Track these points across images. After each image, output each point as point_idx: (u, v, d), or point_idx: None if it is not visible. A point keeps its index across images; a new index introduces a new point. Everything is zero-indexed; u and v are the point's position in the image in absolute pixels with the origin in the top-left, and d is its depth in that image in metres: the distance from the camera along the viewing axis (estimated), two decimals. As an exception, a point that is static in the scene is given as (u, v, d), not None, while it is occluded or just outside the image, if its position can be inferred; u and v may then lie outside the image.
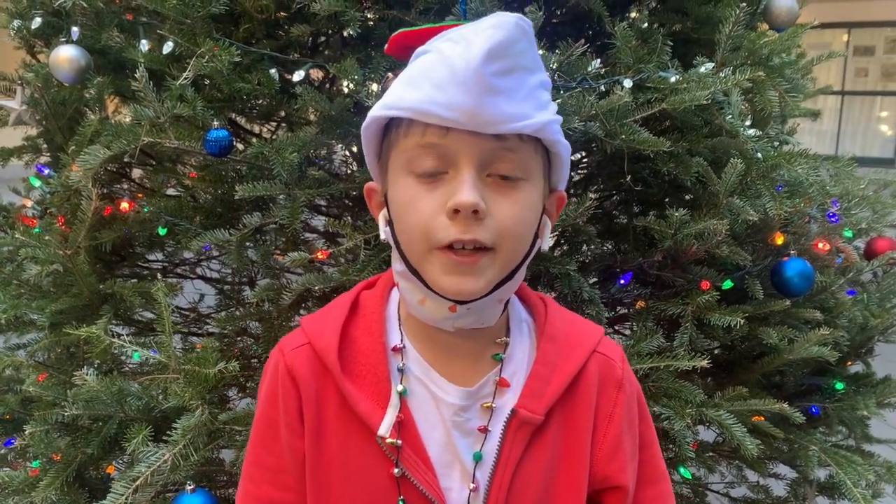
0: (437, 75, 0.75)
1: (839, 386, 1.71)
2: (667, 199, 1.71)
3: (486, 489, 0.84)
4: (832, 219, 1.63)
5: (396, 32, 0.87)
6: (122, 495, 1.16)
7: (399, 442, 0.83)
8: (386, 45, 0.89)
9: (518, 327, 0.90)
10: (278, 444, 0.88)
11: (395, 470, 0.83)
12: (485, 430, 0.85)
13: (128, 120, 1.44)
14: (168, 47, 1.41)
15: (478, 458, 0.85)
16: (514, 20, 0.75)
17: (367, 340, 0.87)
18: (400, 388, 0.85)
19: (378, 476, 0.84)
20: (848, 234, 1.69)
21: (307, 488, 0.86)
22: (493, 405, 0.85)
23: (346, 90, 1.68)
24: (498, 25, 0.74)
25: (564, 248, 1.74)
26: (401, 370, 0.86)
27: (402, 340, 0.88)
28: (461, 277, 0.77)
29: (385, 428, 0.83)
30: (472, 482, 0.85)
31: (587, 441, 0.88)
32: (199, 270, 2.15)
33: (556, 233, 1.63)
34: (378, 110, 0.80)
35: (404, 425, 0.84)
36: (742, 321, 1.40)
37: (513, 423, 0.84)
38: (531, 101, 0.77)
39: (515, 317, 0.91)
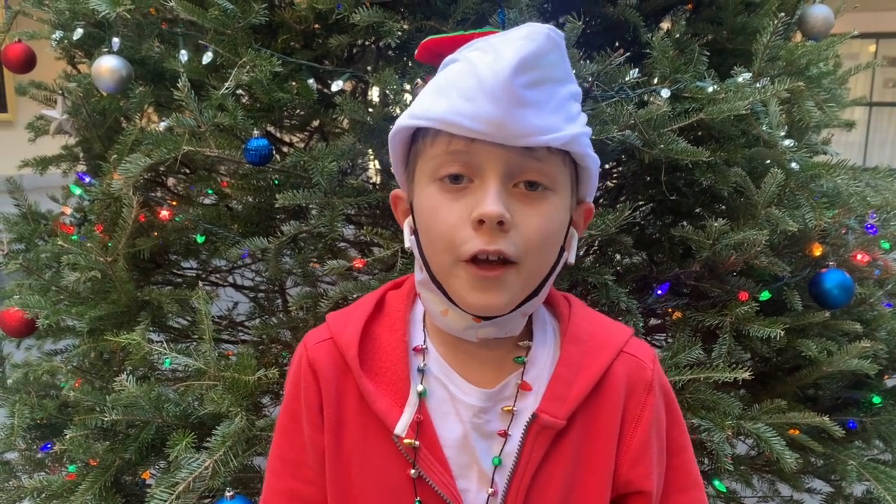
0: (465, 85, 0.74)
1: (877, 400, 1.69)
2: (699, 210, 1.70)
3: (504, 493, 0.83)
4: (870, 230, 1.61)
5: (427, 39, 0.86)
6: (165, 501, 1.17)
7: (416, 443, 0.83)
8: (416, 51, 0.89)
9: (541, 329, 0.89)
10: (301, 437, 0.88)
11: (412, 471, 0.83)
12: (505, 435, 0.84)
13: (161, 128, 1.46)
14: (208, 57, 1.43)
15: (497, 463, 0.84)
16: (546, 31, 0.75)
17: (390, 339, 0.87)
18: (420, 388, 0.84)
19: (395, 475, 0.84)
20: (885, 245, 1.67)
21: (327, 483, 0.87)
22: (514, 409, 0.85)
23: (378, 100, 1.70)
24: (529, 36, 0.74)
25: (595, 256, 1.73)
26: (421, 370, 0.86)
27: (424, 341, 0.88)
28: (486, 293, 0.76)
29: (401, 427, 0.82)
30: (491, 486, 0.84)
31: (612, 446, 0.86)
32: (230, 279, 2.17)
33: (590, 242, 1.63)
34: (405, 120, 0.80)
35: (422, 426, 0.84)
36: (782, 333, 1.39)
37: (533, 427, 0.83)
38: (561, 113, 0.76)
39: (539, 319, 0.89)
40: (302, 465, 0.89)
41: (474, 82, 0.73)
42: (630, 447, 0.87)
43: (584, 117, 0.81)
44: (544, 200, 0.77)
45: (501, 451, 0.84)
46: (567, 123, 0.76)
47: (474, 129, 0.73)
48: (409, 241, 0.85)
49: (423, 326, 0.89)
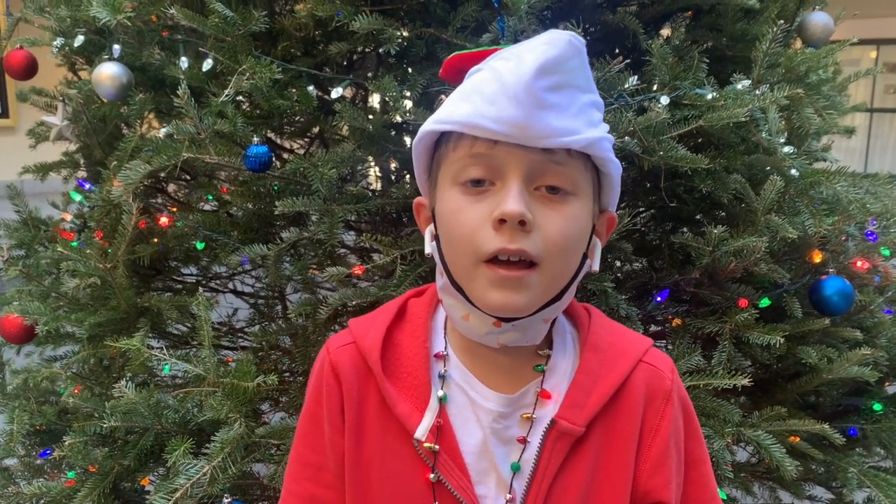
0: (488, 90, 0.76)
1: (877, 407, 1.68)
2: (699, 216, 1.70)
3: (522, 500, 0.84)
4: (870, 237, 1.60)
5: (451, 56, 0.88)
6: (162, 507, 1.17)
7: (436, 447, 0.83)
8: (441, 69, 0.90)
9: (561, 338, 0.90)
10: (321, 441, 0.89)
11: (431, 475, 0.83)
12: (524, 441, 0.85)
13: (161, 135, 1.46)
14: (208, 65, 1.43)
15: (516, 469, 0.84)
16: (568, 38, 0.76)
17: (411, 345, 0.88)
18: (440, 393, 0.85)
19: (414, 479, 0.84)
20: (886, 252, 1.67)
21: (346, 487, 0.87)
22: (534, 416, 0.85)
23: (379, 107, 1.70)
24: (551, 42, 0.75)
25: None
26: (442, 376, 0.87)
27: (445, 348, 0.88)
28: (507, 293, 0.77)
29: (422, 431, 0.83)
30: (509, 493, 0.84)
31: (631, 454, 0.86)
32: (230, 285, 2.17)
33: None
34: (429, 125, 0.82)
35: (442, 430, 0.84)
36: (782, 340, 1.39)
37: (552, 433, 0.84)
38: (582, 117, 0.77)
39: (559, 328, 0.90)
40: (322, 469, 0.89)
41: (497, 86, 0.75)
42: (649, 456, 0.87)
43: (605, 125, 0.82)
44: (566, 203, 0.78)
45: (520, 457, 0.85)
46: (588, 128, 0.77)
47: (497, 131, 0.74)
48: (429, 246, 0.86)
49: (444, 333, 0.90)
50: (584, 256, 0.83)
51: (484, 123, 0.75)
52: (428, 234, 0.87)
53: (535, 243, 0.76)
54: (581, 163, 0.79)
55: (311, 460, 0.90)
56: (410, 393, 0.85)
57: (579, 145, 0.77)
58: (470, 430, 0.85)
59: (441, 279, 0.85)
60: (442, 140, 0.82)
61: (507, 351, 0.85)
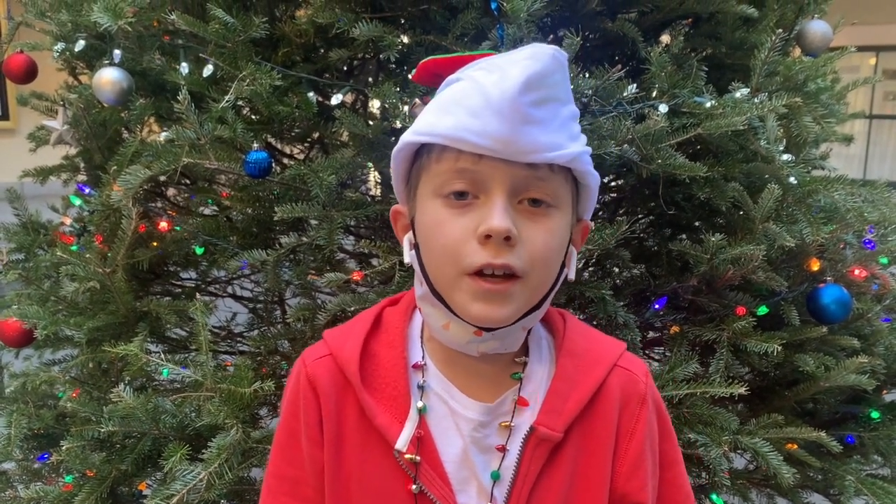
0: (471, 103, 0.75)
1: (875, 415, 1.69)
2: (697, 224, 1.70)
3: None
4: (868, 245, 1.61)
5: (425, 60, 0.87)
6: (159, 513, 1.17)
7: (418, 458, 0.83)
8: (413, 72, 0.90)
9: (537, 345, 0.90)
10: (299, 454, 0.88)
11: (413, 487, 0.83)
12: (503, 450, 0.85)
13: (162, 140, 1.47)
14: (208, 70, 1.44)
15: (496, 478, 0.85)
16: (551, 52, 0.76)
17: (389, 355, 0.87)
18: (420, 404, 0.85)
19: (395, 491, 0.84)
20: (884, 260, 1.67)
21: (326, 500, 0.87)
22: (512, 424, 0.85)
23: (379, 113, 1.71)
24: (534, 56, 0.75)
25: (592, 270, 1.73)
26: (421, 387, 0.86)
27: (423, 357, 0.88)
28: (490, 305, 0.77)
29: (402, 442, 0.83)
30: (490, 500, 0.84)
31: (608, 458, 0.87)
32: (229, 290, 2.17)
33: (588, 256, 1.63)
34: (410, 136, 0.81)
35: (422, 441, 0.84)
36: (779, 348, 1.39)
37: (531, 440, 0.84)
38: (564, 131, 0.78)
39: (534, 335, 0.90)
40: (300, 483, 0.89)
41: (481, 99, 0.74)
42: (625, 460, 0.88)
43: (584, 137, 0.83)
44: (548, 216, 0.78)
45: (500, 465, 0.85)
46: (570, 142, 0.78)
47: (481, 145, 0.74)
48: (408, 255, 0.86)
49: (422, 343, 0.90)
50: (562, 265, 0.84)
51: (469, 137, 0.74)
52: (407, 242, 0.86)
53: (520, 257, 0.76)
54: (562, 176, 0.79)
55: (288, 474, 0.90)
56: (390, 404, 0.85)
57: (564, 160, 0.77)
58: (450, 439, 0.85)
59: (421, 288, 0.85)
60: (423, 150, 0.82)
61: (485, 359, 0.85)
